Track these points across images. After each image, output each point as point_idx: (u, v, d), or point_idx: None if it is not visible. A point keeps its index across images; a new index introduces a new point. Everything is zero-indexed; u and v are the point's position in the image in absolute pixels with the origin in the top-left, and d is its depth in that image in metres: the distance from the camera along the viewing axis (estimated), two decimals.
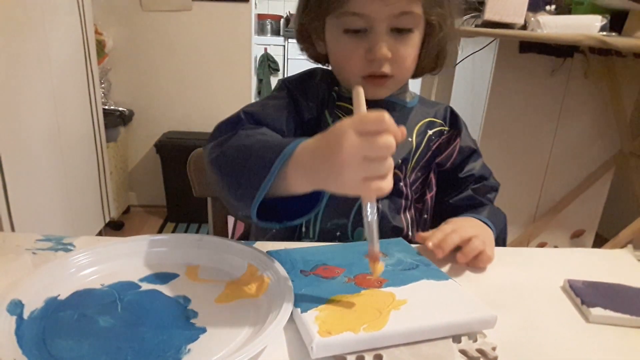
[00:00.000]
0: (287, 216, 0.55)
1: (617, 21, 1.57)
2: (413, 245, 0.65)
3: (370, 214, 0.47)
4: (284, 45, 4.28)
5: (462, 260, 0.62)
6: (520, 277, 0.61)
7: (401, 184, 0.75)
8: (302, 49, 0.79)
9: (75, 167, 1.85)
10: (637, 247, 0.72)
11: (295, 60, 4.25)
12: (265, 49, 4.27)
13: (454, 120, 0.81)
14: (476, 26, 1.63)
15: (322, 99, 0.75)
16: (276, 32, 4.41)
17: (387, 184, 0.45)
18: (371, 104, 0.72)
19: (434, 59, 0.74)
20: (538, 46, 1.70)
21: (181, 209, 2.50)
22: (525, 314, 0.53)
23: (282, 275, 0.52)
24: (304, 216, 0.55)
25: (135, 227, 2.48)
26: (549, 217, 1.97)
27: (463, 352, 0.45)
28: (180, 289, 0.53)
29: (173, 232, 2.42)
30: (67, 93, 1.77)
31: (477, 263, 0.63)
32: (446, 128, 0.80)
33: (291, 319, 0.47)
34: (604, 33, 1.49)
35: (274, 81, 4.24)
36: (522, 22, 1.58)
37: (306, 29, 0.74)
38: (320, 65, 0.80)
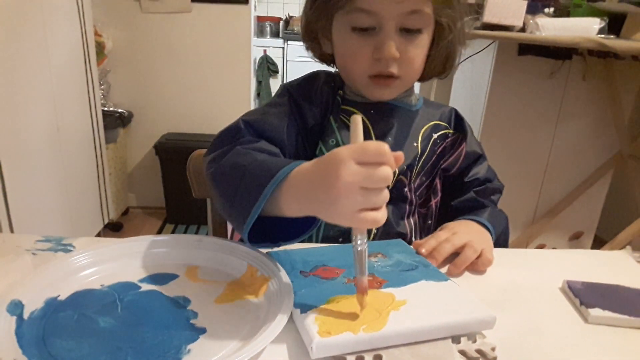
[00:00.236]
0: (282, 236, 0.54)
1: (615, 24, 1.57)
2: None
3: (361, 244, 0.46)
4: (283, 47, 4.28)
5: (454, 271, 0.61)
6: (519, 278, 0.62)
7: (406, 189, 0.74)
8: (307, 48, 0.77)
9: (75, 168, 1.85)
10: (636, 249, 0.72)
11: (294, 62, 4.25)
12: (265, 51, 4.28)
13: (459, 123, 0.80)
14: (475, 29, 1.64)
15: (326, 103, 0.73)
16: (275, 34, 4.42)
17: (382, 216, 0.44)
18: (376, 107, 0.73)
19: (442, 62, 0.73)
20: (537, 49, 1.71)
21: (180, 211, 2.50)
22: (525, 314, 0.54)
23: (282, 276, 0.52)
24: (299, 237, 0.54)
25: (134, 229, 2.48)
26: (547, 218, 1.97)
27: (462, 352, 0.45)
28: (180, 289, 0.53)
29: (172, 233, 2.42)
30: (67, 94, 1.77)
31: (476, 266, 0.63)
32: (451, 131, 0.79)
33: (291, 319, 0.47)
34: (602, 35, 1.49)
35: (273, 83, 4.25)
36: (520, 24, 1.58)
37: (313, 27, 0.73)
38: (324, 67, 0.79)
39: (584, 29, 1.50)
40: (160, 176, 2.46)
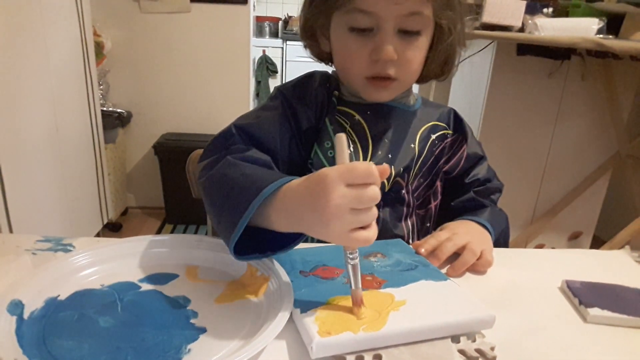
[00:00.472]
0: (270, 245, 0.54)
1: (613, 24, 1.58)
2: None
3: (353, 259, 0.47)
4: (282, 47, 4.29)
5: (452, 274, 0.61)
6: (518, 278, 0.62)
7: (403, 191, 0.74)
8: (305, 46, 0.77)
9: (74, 168, 1.85)
10: (635, 248, 0.73)
11: (293, 62, 4.25)
12: (264, 51, 4.28)
13: (458, 124, 0.79)
14: (474, 29, 1.64)
15: (321, 105, 0.72)
16: (274, 34, 4.42)
17: (373, 234, 0.45)
18: (373, 107, 0.73)
19: (441, 65, 0.72)
20: (535, 49, 1.71)
21: (179, 211, 2.50)
22: (524, 314, 0.54)
23: (282, 275, 0.52)
24: (288, 247, 0.53)
25: (133, 229, 2.48)
26: (546, 219, 1.97)
27: (462, 352, 0.45)
28: (180, 289, 0.53)
29: (171, 233, 2.42)
30: (66, 94, 1.77)
31: (476, 267, 0.63)
32: (450, 132, 0.78)
33: (291, 319, 0.47)
34: (601, 36, 1.50)
35: (272, 83, 4.25)
36: (519, 24, 1.59)
37: (311, 25, 0.72)
38: (321, 66, 0.78)
39: (583, 29, 1.51)
40: (160, 176, 2.46)
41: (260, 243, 0.53)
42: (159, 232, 2.47)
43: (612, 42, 1.35)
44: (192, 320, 0.48)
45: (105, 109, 2.32)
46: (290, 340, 0.46)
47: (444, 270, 0.60)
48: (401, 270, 0.57)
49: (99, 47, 2.21)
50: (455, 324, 0.47)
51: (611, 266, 0.68)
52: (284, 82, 0.76)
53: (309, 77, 0.75)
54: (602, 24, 1.52)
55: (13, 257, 0.58)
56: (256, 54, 4.14)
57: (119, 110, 2.40)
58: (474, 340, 0.47)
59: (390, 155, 0.71)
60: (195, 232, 2.48)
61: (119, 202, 2.46)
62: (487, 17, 1.57)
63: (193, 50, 2.44)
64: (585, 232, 2.06)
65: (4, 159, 1.36)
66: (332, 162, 0.70)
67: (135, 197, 2.68)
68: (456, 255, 0.63)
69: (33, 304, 0.47)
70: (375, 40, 0.64)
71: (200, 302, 0.51)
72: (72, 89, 1.84)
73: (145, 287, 0.53)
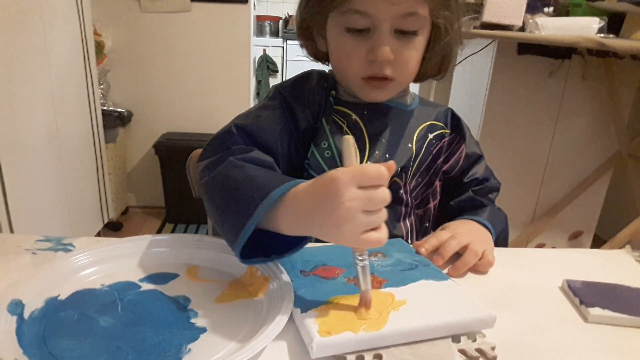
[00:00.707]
0: (276, 247, 0.53)
1: (614, 23, 1.58)
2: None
3: (362, 260, 0.47)
4: (283, 47, 4.29)
5: (454, 274, 0.61)
6: (519, 277, 0.62)
7: (401, 191, 0.73)
8: (302, 46, 0.76)
9: (74, 168, 1.85)
10: (635, 248, 0.73)
11: (293, 62, 4.25)
12: (264, 50, 4.28)
13: (456, 124, 0.79)
14: (474, 28, 1.64)
15: (319, 105, 0.72)
16: (275, 34, 4.42)
17: (384, 234, 0.45)
18: (370, 107, 0.73)
19: (438, 64, 0.72)
20: (536, 48, 1.71)
21: (180, 210, 2.50)
22: (524, 313, 0.54)
23: (282, 275, 0.52)
24: (293, 250, 0.52)
25: (133, 228, 2.48)
26: (547, 218, 1.97)
27: (462, 351, 0.45)
28: (180, 289, 0.53)
29: (172, 232, 2.42)
30: (66, 94, 1.77)
31: (477, 268, 0.63)
32: (447, 131, 0.78)
33: (291, 319, 0.47)
34: (602, 35, 1.49)
35: (272, 82, 4.25)
36: (520, 24, 1.58)
37: (307, 25, 0.71)
38: (317, 65, 0.77)
39: (584, 28, 1.50)
40: (160, 176, 2.46)
41: (265, 245, 0.53)
42: (159, 231, 2.47)
43: (613, 42, 1.35)
44: (192, 320, 0.48)
45: (105, 108, 2.32)
46: (291, 340, 0.46)
47: (445, 271, 0.60)
48: (401, 269, 0.57)
49: (99, 46, 2.22)
50: (455, 323, 0.47)
51: (612, 266, 0.68)
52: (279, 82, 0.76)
53: (307, 76, 0.74)
54: (602, 23, 1.52)
55: (13, 256, 0.58)
56: (256, 53, 4.15)
57: (119, 109, 2.40)
58: (475, 340, 0.47)
59: (387, 155, 0.71)
60: (196, 232, 2.48)
61: (119, 202, 2.46)
62: (488, 16, 1.57)
63: (193, 50, 2.44)
64: (586, 232, 2.06)
65: (4, 158, 1.36)
66: (329, 162, 0.70)
67: (135, 197, 2.68)
68: (457, 255, 0.63)
69: (33, 304, 0.47)
70: (372, 40, 0.64)
71: (200, 302, 0.51)
72: (73, 89, 1.84)
73: (146, 286, 0.53)
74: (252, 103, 2.67)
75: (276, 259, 0.53)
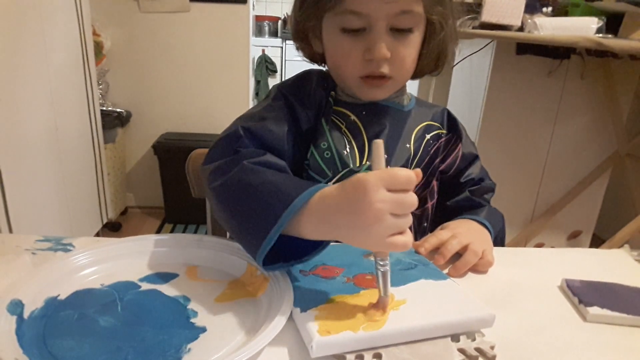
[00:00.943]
0: (293, 252, 0.52)
1: (613, 23, 1.58)
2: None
3: (384, 265, 0.47)
4: (282, 47, 4.29)
5: (454, 274, 0.61)
6: (518, 277, 0.62)
7: None
8: (298, 48, 0.76)
9: (73, 168, 1.85)
10: (634, 247, 0.73)
11: (292, 62, 4.26)
12: (263, 51, 4.28)
13: (452, 124, 0.80)
14: (473, 28, 1.64)
15: (319, 105, 0.71)
16: (274, 34, 4.42)
17: (410, 239, 0.46)
18: (368, 107, 0.73)
19: (435, 60, 0.72)
20: (535, 48, 1.71)
21: (179, 210, 2.50)
22: (524, 313, 0.54)
23: (282, 275, 0.53)
24: (312, 253, 0.52)
25: (133, 229, 2.48)
26: (546, 218, 1.98)
27: (462, 351, 0.45)
28: (180, 288, 0.53)
29: (171, 232, 2.41)
30: (65, 94, 1.77)
31: (477, 267, 0.63)
32: (444, 131, 0.78)
33: (291, 318, 0.47)
34: (600, 35, 1.50)
35: (271, 82, 4.25)
36: (519, 24, 1.58)
37: (303, 27, 0.71)
38: (315, 66, 0.77)
39: (582, 28, 1.51)
40: (159, 176, 2.46)
41: (283, 249, 0.52)
42: (158, 231, 2.47)
43: (611, 42, 1.35)
44: (192, 320, 0.48)
45: (104, 108, 2.32)
46: (290, 340, 0.46)
47: (445, 270, 0.61)
48: (401, 269, 0.57)
49: (98, 46, 2.22)
50: (455, 323, 0.47)
51: (611, 265, 0.68)
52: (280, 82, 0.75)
53: (306, 75, 0.74)
54: (601, 23, 1.52)
55: (13, 256, 0.58)
56: (255, 53, 4.15)
57: (118, 109, 2.40)
58: (474, 339, 0.47)
59: (385, 156, 0.71)
60: (195, 232, 2.48)
61: (118, 202, 2.46)
62: (487, 16, 1.57)
63: (192, 50, 2.44)
64: (584, 231, 2.06)
65: (3, 158, 1.36)
66: (328, 162, 0.70)
67: (134, 197, 2.68)
68: (457, 255, 0.63)
69: (33, 304, 0.47)
70: (368, 40, 0.64)
71: (200, 302, 0.51)
72: (72, 89, 1.84)
73: (145, 286, 0.53)
74: (251, 103, 2.67)
75: (295, 264, 0.53)
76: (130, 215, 2.63)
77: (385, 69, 0.66)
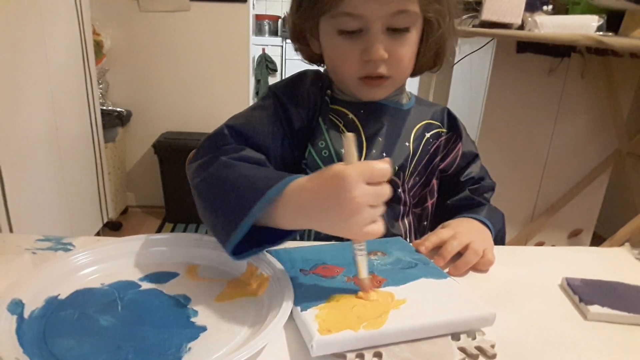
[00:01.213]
0: (265, 237, 0.53)
1: (613, 21, 1.57)
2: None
3: (361, 250, 0.50)
4: (282, 46, 4.29)
5: (454, 273, 0.61)
6: (518, 276, 0.62)
7: (399, 190, 0.73)
8: (296, 49, 0.77)
9: (73, 167, 1.85)
10: (635, 245, 0.73)
11: (293, 61, 4.26)
12: (263, 50, 4.28)
13: (452, 123, 0.80)
14: (474, 26, 1.64)
15: (314, 105, 0.71)
16: (274, 33, 4.42)
17: (382, 226, 0.48)
18: (366, 106, 0.73)
19: (433, 57, 0.72)
20: (535, 46, 1.71)
21: (179, 209, 2.50)
22: (524, 311, 0.54)
23: (282, 274, 0.52)
24: (285, 238, 0.53)
25: (133, 228, 2.48)
26: (546, 216, 1.98)
27: (462, 349, 0.45)
28: (180, 288, 0.53)
29: (171, 232, 2.42)
30: (65, 94, 1.77)
31: (478, 266, 0.63)
32: (444, 130, 0.78)
33: (291, 317, 0.47)
34: (601, 33, 1.49)
35: (272, 81, 4.24)
36: (519, 22, 1.58)
37: (300, 28, 0.72)
38: (312, 67, 0.77)
39: (583, 26, 1.50)
40: (159, 175, 2.46)
41: (255, 240, 0.53)
42: (159, 230, 2.47)
43: (612, 40, 1.35)
44: (192, 319, 0.48)
45: (104, 107, 2.32)
46: (291, 339, 0.46)
47: (446, 270, 0.60)
48: (401, 268, 0.57)
49: (98, 45, 2.21)
50: (455, 321, 0.47)
51: (611, 263, 0.68)
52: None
53: (301, 76, 0.74)
54: (602, 21, 1.51)
55: (13, 256, 0.58)
56: (255, 52, 4.15)
57: (118, 109, 2.40)
58: (474, 338, 0.47)
59: (384, 154, 0.71)
60: (196, 231, 2.48)
61: (118, 201, 2.46)
62: (487, 15, 1.57)
63: (192, 49, 2.44)
64: (585, 230, 2.06)
65: (3, 158, 1.36)
66: (326, 161, 0.70)
67: (135, 196, 2.69)
68: (458, 254, 0.63)
69: (33, 303, 0.47)
70: (365, 41, 0.64)
71: (200, 301, 0.51)
72: (72, 88, 1.84)
73: (146, 285, 0.53)
74: (251, 102, 2.67)
75: (268, 248, 0.54)
76: (131, 214, 2.64)
77: (383, 70, 0.66)
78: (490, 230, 0.71)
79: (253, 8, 2.76)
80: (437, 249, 0.64)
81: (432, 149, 0.76)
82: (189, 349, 0.43)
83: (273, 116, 0.69)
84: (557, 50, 1.71)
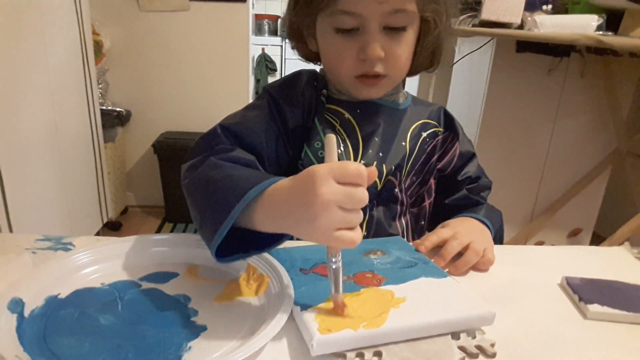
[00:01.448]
0: (254, 243, 0.52)
1: (613, 20, 1.57)
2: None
3: (335, 262, 0.46)
4: (282, 46, 4.29)
5: (454, 273, 0.61)
6: (518, 275, 0.62)
7: (396, 190, 0.73)
8: (293, 47, 0.76)
9: (73, 167, 1.85)
10: (634, 245, 0.73)
11: (292, 61, 4.25)
12: (263, 49, 4.28)
13: (449, 122, 0.79)
14: (473, 26, 1.64)
15: (309, 105, 0.71)
16: (273, 32, 4.42)
17: (359, 236, 0.44)
18: (362, 106, 0.73)
19: (430, 57, 0.72)
20: (535, 46, 1.71)
21: (179, 209, 2.50)
22: (524, 310, 0.54)
23: (282, 274, 0.52)
24: (272, 246, 0.52)
25: (133, 228, 2.48)
26: (546, 216, 1.98)
27: (462, 348, 0.45)
28: (180, 287, 0.53)
29: (171, 232, 2.42)
30: (65, 93, 1.77)
31: (478, 266, 0.63)
32: (440, 129, 0.78)
33: (291, 317, 0.47)
34: (600, 32, 1.49)
35: (271, 81, 4.24)
36: (519, 21, 1.58)
37: (297, 27, 0.72)
38: (309, 66, 0.77)
39: (582, 25, 1.50)
40: (159, 175, 2.46)
41: (243, 244, 0.52)
42: (158, 230, 2.47)
43: (611, 39, 1.35)
44: (192, 319, 0.48)
45: (104, 107, 2.32)
46: (291, 338, 0.46)
47: (446, 269, 0.61)
48: (401, 267, 0.57)
49: (98, 45, 2.21)
50: (455, 320, 0.47)
51: (611, 263, 0.68)
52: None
53: (296, 75, 0.74)
54: (601, 20, 1.51)
55: (13, 256, 0.58)
56: (255, 52, 4.15)
57: (118, 109, 2.40)
58: (474, 337, 0.47)
59: (381, 154, 0.71)
60: (195, 231, 2.47)
61: (118, 201, 2.46)
62: (486, 14, 1.57)
63: (192, 49, 2.44)
64: (585, 229, 2.06)
65: (3, 158, 1.36)
66: (322, 161, 0.69)
67: (134, 196, 2.68)
68: (458, 254, 0.63)
69: (33, 302, 0.47)
70: (362, 39, 0.64)
71: (200, 301, 0.51)
72: (71, 88, 1.84)
73: (146, 285, 0.53)
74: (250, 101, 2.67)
75: (254, 254, 0.53)
76: (131, 214, 2.64)
77: (379, 68, 0.66)
78: (489, 229, 0.71)
79: (252, 8, 2.76)
80: (437, 248, 0.64)
81: (428, 149, 0.76)
82: (189, 347, 0.43)
83: (267, 116, 0.68)
84: (556, 49, 1.71)
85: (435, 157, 0.78)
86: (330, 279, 0.47)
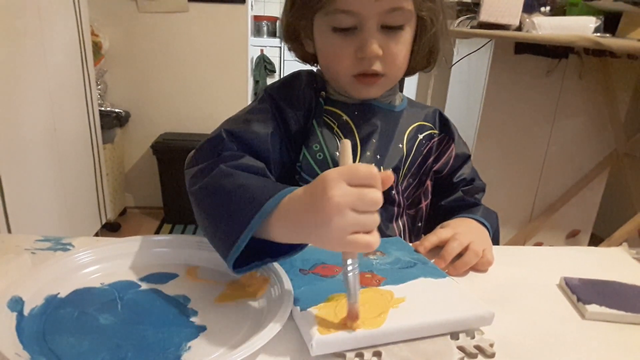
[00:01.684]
0: (268, 251, 0.51)
1: (611, 22, 1.58)
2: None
3: (352, 269, 0.44)
4: (280, 47, 4.28)
5: (454, 273, 0.61)
6: (517, 275, 0.62)
7: (393, 192, 0.73)
8: (290, 49, 0.76)
9: (72, 168, 1.84)
10: (632, 246, 0.73)
11: (291, 62, 4.25)
12: (262, 51, 4.28)
13: (444, 125, 0.80)
14: (472, 27, 1.64)
15: (309, 106, 0.71)
16: (272, 34, 4.42)
17: (376, 239, 0.43)
18: (360, 108, 0.73)
19: (427, 57, 0.72)
20: (533, 47, 1.71)
21: (178, 210, 2.50)
22: (523, 311, 0.54)
23: (282, 274, 0.53)
24: (288, 254, 0.51)
25: (131, 229, 2.47)
26: (544, 217, 1.98)
27: (461, 348, 0.46)
28: (180, 288, 0.53)
29: (170, 233, 2.41)
30: (64, 94, 1.77)
31: (477, 266, 0.63)
32: (436, 131, 0.78)
33: (291, 317, 0.47)
34: (598, 34, 1.50)
35: (270, 82, 4.24)
36: (517, 23, 1.59)
37: (294, 27, 0.72)
38: (306, 67, 0.77)
39: (580, 27, 1.51)
40: (158, 176, 2.46)
41: (257, 253, 0.51)
42: (157, 232, 2.47)
43: (609, 41, 1.35)
44: (192, 319, 0.48)
45: (103, 108, 2.32)
46: (291, 338, 0.46)
47: (445, 270, 0.61)
48: (400, 267, 0.57)
49: (96, 46, 2.21)
50: (454, 321, 0.48)
51: (609, 263, 0.68)
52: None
53: (295, 76, 0.74)
54: (599, 22, 1.52)
55: (13, 256, 0.58)
56: (254, 53, 4.14)
57: (117, 110, 2.40)
58: (473, 337, 0.47)
59: (378, 156, 0.71)
60: (194, 232, 2.48)
61: (117, 202, 2.46)
62: (485, 16, 1.57)
63: (191, 50, 2.44)
64: (583, 230, 2.06)
65: (2, 159, 1.36)
66: (320, 164, 0.69)
67: (133, 197, 2.68)
68: (458, 254, 0.63)
69: (33, 301, 0.47)
70: (359, 38, 0.64)
71: (200, 301, 0.51)
72: (70, 89, 1.84)
73: (145, 286, 0.53)
74: (249, 103, 2.67)
75: (270, 262, 0.52)
76: (129, 215, 2.63)
77: (377, 67, 0.66)
78: (488, 230, 0.72)
79: (251, 9, 2.76)
80: (436, 249, 0.64)
81: (425, 151, 0.77)
82: (189, 347, 0.43)
83: (270, 119, 0.68)
84: (554, 51, 1.72)
85: (432, 159, 0.78)
86: (347, 287, 0.45)
